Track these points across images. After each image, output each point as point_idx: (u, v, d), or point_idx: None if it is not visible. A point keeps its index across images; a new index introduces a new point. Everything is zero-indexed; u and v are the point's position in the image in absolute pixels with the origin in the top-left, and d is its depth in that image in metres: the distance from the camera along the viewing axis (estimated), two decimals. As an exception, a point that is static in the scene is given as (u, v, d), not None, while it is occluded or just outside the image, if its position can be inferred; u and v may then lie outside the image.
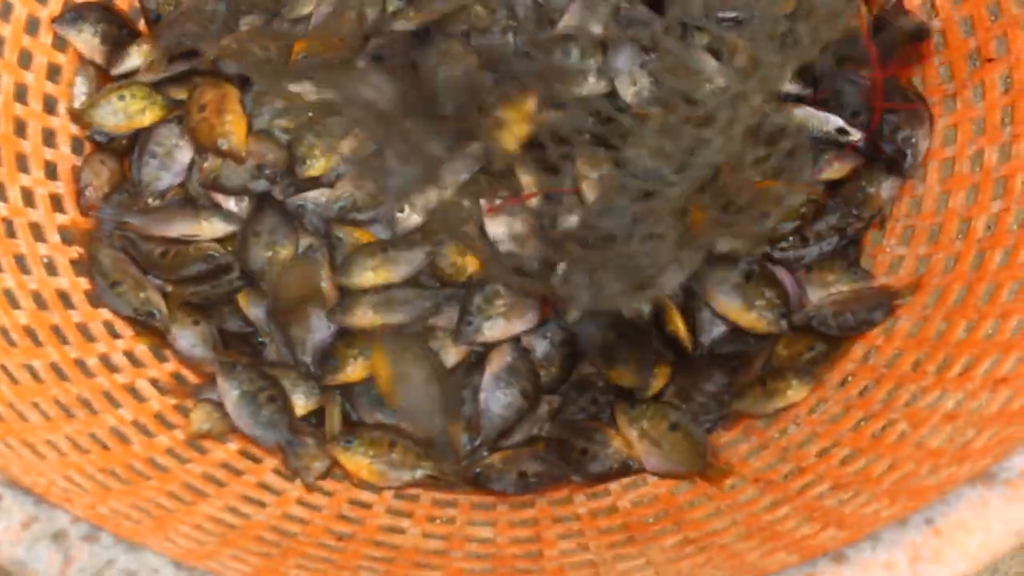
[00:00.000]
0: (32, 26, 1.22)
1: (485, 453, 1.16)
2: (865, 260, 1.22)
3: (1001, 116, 1.16)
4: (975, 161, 1.17)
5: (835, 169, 1.22)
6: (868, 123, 1.20)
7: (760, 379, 1.14)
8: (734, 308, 1.16)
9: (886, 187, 1.21)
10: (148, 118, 1.23)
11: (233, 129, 1.20)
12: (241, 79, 1.23)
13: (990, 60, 1.17)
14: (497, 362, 1.15)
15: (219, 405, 1.14)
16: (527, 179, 1.17)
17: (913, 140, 1.20)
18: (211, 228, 1.20)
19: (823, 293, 1.18)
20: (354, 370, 1.16)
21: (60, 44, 1.25)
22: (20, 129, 1.20)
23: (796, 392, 1.13)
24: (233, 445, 1.15)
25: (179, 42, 1.24)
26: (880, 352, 1.13)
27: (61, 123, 1.24)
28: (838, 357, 1.17)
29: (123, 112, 1.23)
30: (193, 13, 1.26)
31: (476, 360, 1.18)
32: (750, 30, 1.03)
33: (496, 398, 1.14)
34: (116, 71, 1.25)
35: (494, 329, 1.17)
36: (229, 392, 1.13)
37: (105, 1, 1.28)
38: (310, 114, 1.21)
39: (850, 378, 1.15)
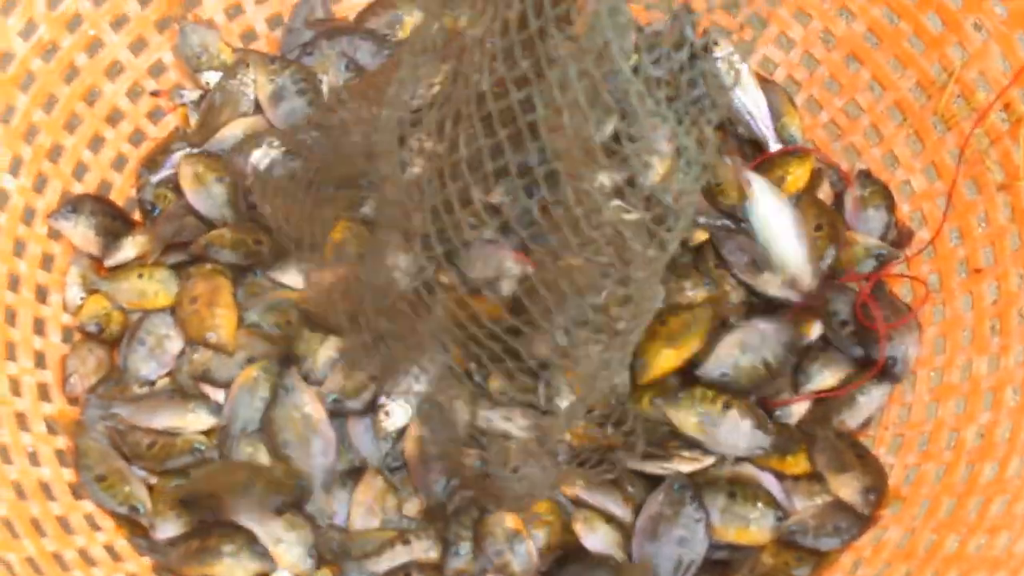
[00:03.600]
0: (28, 216, 1.23)
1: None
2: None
3: (990, 326, 1.17)
4: (964, 371, 1.17)
5: (825, 377, 1.21)
6: (858, 332, 1.20)
7: (753, 588, 1.13)
8: (732, 530, 1.15)
9: (876, 395, 1.20)
10: (160, 301, 1.24)
11: (223, 323, 1.20)
12: (235, 271, 1.23)
13: (978, 271, 1.18)
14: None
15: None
16: None
17: (903, 347, 1.21)
18: (197, 420, 1.19)
19: (808, 502, 1.17)
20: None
21: (55, 234, 1.26)
22: (10, 318, 1.20)
23: (789, 602, 1.11)
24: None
25: (175, 235, 1.24)
26: (868, 563, 1.12)
27: (52, 312, 1.25)
28: (825, 567, 1.15)
29: (137, 291, 1.24)
30: (191, 208, 1.27)
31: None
32: None
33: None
34: (110, 262, 1.26)
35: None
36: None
37: (100, 193, 1.29)
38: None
39: (839, 588, 1.14)
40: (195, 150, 1.34)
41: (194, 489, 1.16)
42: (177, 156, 1.33)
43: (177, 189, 1.31)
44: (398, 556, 1.15)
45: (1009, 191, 1.18)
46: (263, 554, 1.13)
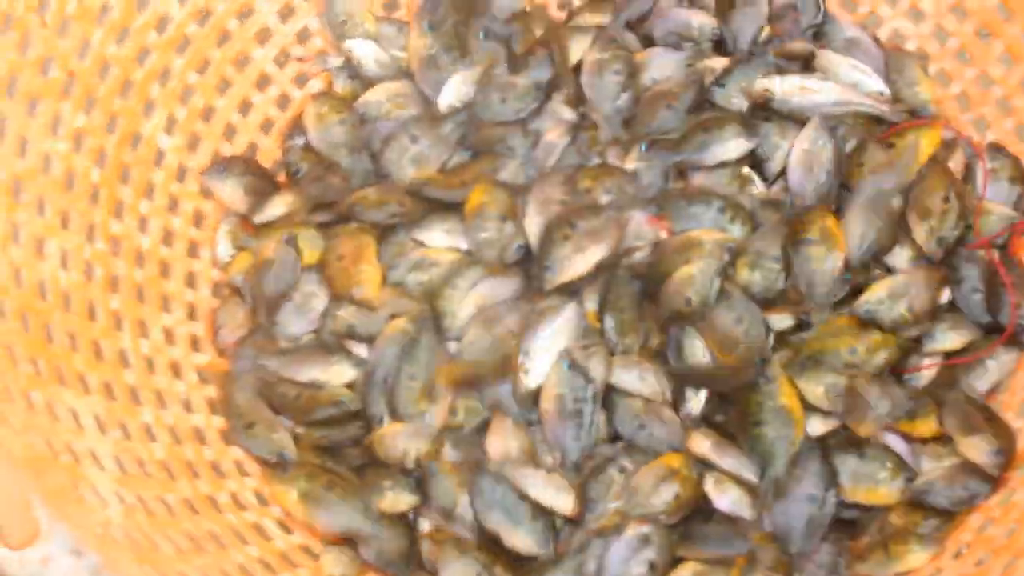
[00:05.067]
0: (181, 174, 1.28)
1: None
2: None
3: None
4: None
5: (951, 339, 1.23)
6: (987, 300, 1.21)
7: (882, 542, 1.15)
8: (862, 490, 1.17)
9: (1005, 360, 1.22)
10: (307, 259, 1.28)
11: (368, 279, 1.24)
12: (379, 230, 1.27)
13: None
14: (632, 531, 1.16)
15: (350, 550, 1.16)
16: None
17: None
18: (341, 373, 1.23)
19: (936, 464, 1.18)
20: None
21: (206, 192, 1.32)
22: (164, 271, 1.25)
23: (917, 557, 1.13)
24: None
25: (322, 194, 1.29)
26: (997, 523, 1.13)
27: (203, 267, 1.31)
28: (953, 528, 1.16)
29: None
30: (336, 168, 1.32)
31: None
32: None
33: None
34: (259, 219, 1.31)
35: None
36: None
37: (248, 155, 1.34)
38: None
39: (965, 549, 1.15)
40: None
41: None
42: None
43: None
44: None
45: None
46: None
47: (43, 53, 1.12)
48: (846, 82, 1.34)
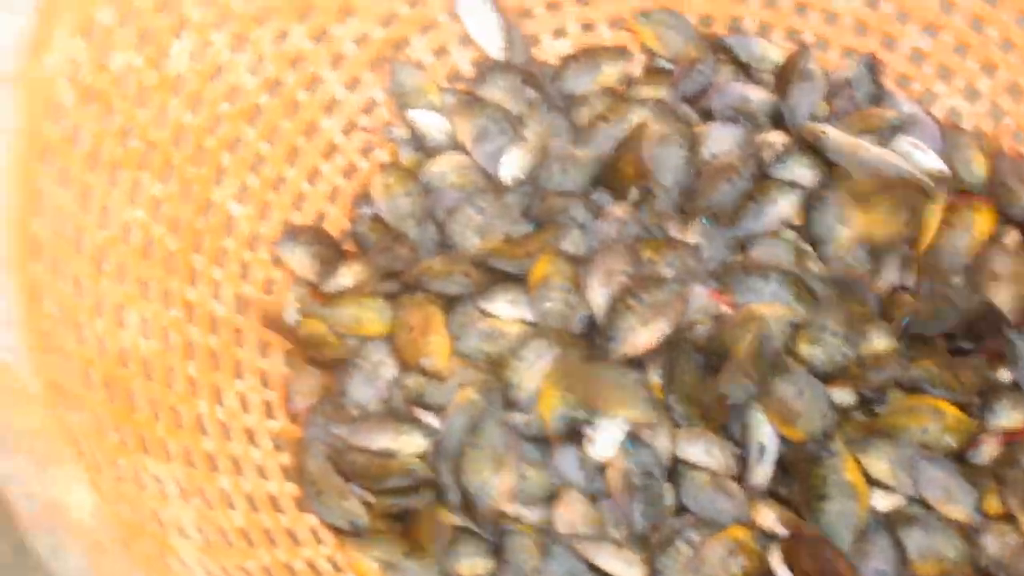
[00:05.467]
0: (252, 242, 1.31)
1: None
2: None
3: None
4: None
5: (1012, 417, 1.25)
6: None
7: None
8: (930, 565, 1.19)
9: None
10: (376, 328, 1.30)
11: (437, 350, 1.26)
12: (446, 300, 1.29)
13: None
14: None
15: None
16: None
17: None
18: (411, 443, 1.25)
19: (1002, 541, 1.20)
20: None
21: (276, 260, 1.35)
22: (238, 338, 1.27)
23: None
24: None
25: (389, 265, 1.31)
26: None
27: (274, 335, 1.31)
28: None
29: (354, 318, 1.31)
30: (403, 239, 1.34)
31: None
32: None
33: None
34: (327, 287, 1.33)
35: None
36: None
37: (316, 223, 1.36)
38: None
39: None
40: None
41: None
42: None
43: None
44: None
45: None
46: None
47: (124, 124, 1.14)
48: (901, 152, 1.36)
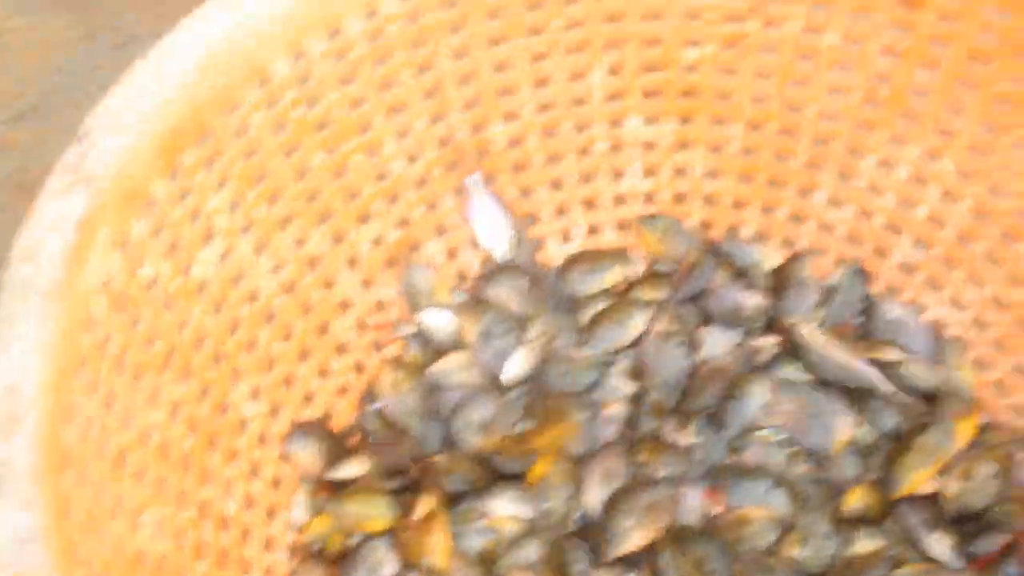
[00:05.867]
0: (262, 440, 1.35)
1: None
2: None
3: None
4: None
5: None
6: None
7: None
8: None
9: None
10: (380, 524, 1.33)
11: (438, 548, 1.29)
12: (449, 497, 1.33)
13: None
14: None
15: None
16: None
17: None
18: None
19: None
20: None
21: (284, 456, 1.38)
22: (245, 535, 1.30)
23: None
24: None
25: (394, 461, 1.36)
26: None
27: (279, 531, 1.35)
28: None
29: (358, 514, 1.34)
30: (407, 435, 1.39)
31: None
32: None
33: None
34: (331, 477, 1.37)
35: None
36: None
37: (323, 419, 1.42)
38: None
39: None
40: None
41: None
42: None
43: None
44: None
45: None
46: None
47: (149, 329, 1.18)
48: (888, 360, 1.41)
